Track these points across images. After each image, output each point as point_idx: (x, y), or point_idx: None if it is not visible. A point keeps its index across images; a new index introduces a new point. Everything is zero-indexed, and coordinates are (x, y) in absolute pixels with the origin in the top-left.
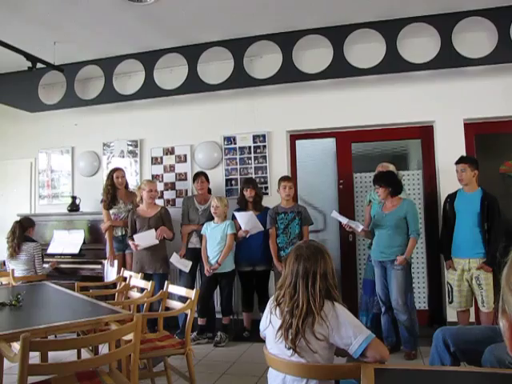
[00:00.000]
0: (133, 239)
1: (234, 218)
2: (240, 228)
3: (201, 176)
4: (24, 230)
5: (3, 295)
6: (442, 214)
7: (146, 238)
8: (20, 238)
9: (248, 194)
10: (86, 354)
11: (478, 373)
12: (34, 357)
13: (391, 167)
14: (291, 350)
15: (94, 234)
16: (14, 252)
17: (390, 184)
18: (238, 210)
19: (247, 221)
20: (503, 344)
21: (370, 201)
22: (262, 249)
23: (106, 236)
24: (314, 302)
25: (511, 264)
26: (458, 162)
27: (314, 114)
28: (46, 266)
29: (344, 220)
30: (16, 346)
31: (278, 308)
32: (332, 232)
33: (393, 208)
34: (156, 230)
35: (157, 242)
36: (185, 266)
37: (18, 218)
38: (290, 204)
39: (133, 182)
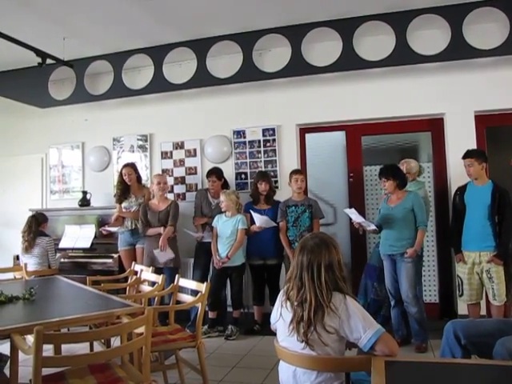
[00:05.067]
0: (146, 231)
1: (246, 211)
2: (252, 222)
3: (212, 176)
4: (39, 225)
5: (17, 289)
6: (452, 207)
7: (162, 256)
8: (35, 232)
9: (263, 187)
10: (98, 346)
11: (489, 365)
12: (48, 349)
13: (413, 163)
14: (303, 343)
15: (103, 226)
16: (29, 246)
17: (398, 177)
18: (251, 203)
19: (262, 223)
20: None
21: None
22: (273, 242)
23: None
24: (322, 295)
25: None
26: (464, 157)
27: (323, 108)
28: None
29: (358, 219)
30: (30, 339)
31: (288, 301)
32: (342, 225)
33: (399, 201)
34: (165, 224)
35: (172, 255)
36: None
37: (31, 213)
38: (301, 197)
39: (143, 176)
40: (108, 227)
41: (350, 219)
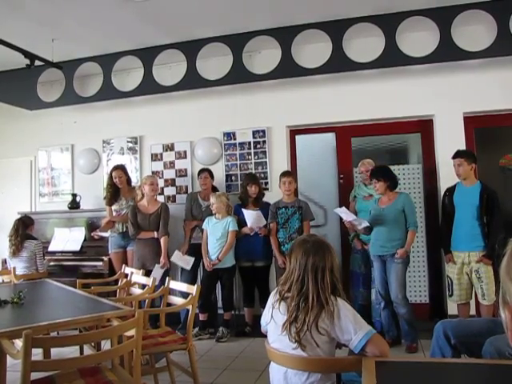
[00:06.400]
0: (139, 234)
1: (235, 212)
2: (244, 223)
3: (204, 172)
4: (26, 228)
5: (5, 293)
6: (442, 208)
7: (158, 272)
8: (22, 235)
9: (253, 190)
10: (88, 350)
11: (478, 364)
12: (37, 354)
13: (370, 159)
14: (295, 343)
15: (94, 231)
16: (17, 249)
17: (389, 178)
18: (240, 205)
19: (254, 219)
20: (503, 336)
21: (354, 196)
22: (262, 244)
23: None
24: (325, 296)
25: (511, 254)
26: (454, 157)
27: (313, 109)
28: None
29: (349, 217)
30: (19, 343)
31: (281, 303)
32: (333, 227)
33: (389, 202)
34: (156, 226)
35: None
36: (186, 263)
37: (19, 216)
38: (291, 199)
39: (133, 178)
40: (99, 232)
41: (341, 220)
